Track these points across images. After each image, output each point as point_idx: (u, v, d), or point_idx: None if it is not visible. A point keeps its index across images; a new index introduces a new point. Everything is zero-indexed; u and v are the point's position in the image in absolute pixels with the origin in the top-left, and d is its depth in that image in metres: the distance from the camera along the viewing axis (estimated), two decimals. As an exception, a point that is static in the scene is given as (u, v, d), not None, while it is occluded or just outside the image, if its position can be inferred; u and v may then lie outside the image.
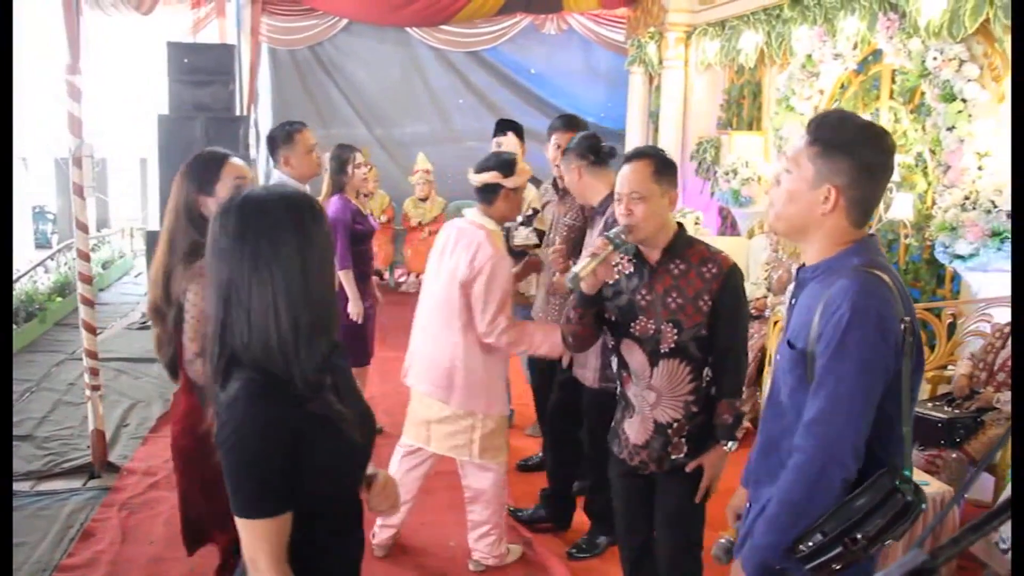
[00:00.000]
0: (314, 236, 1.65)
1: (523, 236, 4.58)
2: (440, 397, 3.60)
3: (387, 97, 11.28)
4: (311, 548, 1.71)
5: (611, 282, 2.85)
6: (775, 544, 1.92)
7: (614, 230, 2.73)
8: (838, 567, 1.84)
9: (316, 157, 4.39)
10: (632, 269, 2.84)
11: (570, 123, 4.45)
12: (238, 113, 8.85)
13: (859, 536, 1.80)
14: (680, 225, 2.87)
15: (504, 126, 5.06)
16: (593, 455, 3.93)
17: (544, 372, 4.35)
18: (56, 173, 10.22)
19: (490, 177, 3.53)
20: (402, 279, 10.00)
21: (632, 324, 2.80)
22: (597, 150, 3.71)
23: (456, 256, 3.52)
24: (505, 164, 3.58)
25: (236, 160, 2.78)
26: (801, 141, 1.97)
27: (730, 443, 2.84)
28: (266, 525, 1.61)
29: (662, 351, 2.77)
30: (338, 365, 1.79)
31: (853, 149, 1.89)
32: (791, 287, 5.63)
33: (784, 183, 1.99)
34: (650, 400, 2.84)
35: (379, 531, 3.93)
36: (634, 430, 2.90)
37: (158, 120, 7.75)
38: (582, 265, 2.69)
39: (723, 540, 2.37)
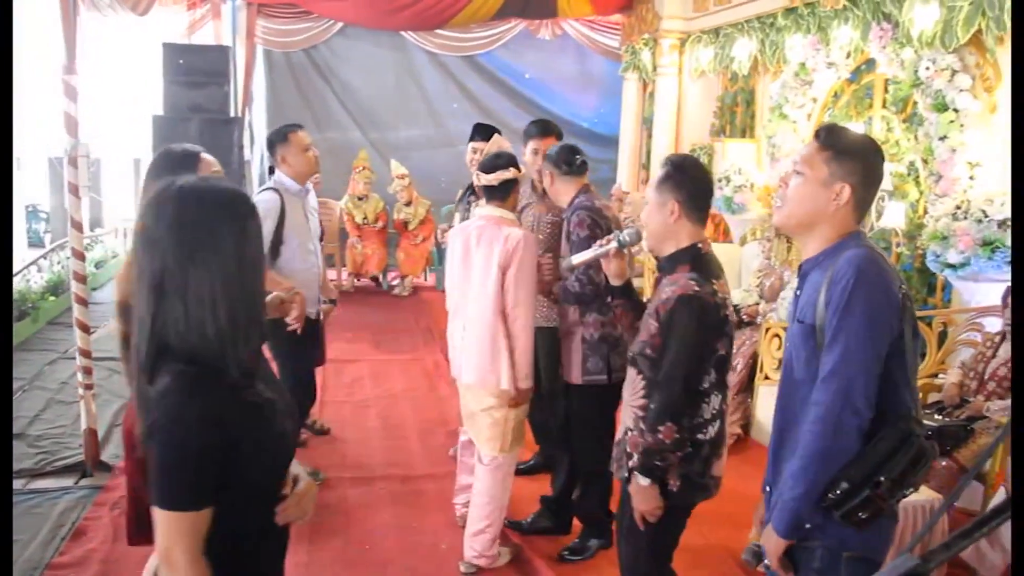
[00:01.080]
0: (249, 229, 1.67)
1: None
2: (491, 382, 3.69)
3: (382, 101, 11.27)
4: (237, 545, 1.70)
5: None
6: (804, 495, 2.10)
7: (626, 231, 2.89)
8: (864, 516, 2.05)
9: (312, 156, 4.44)
10: None
11: (545, 129, 4.53)
12: (232, 115, 8.84)
13: (883, 479, 2.02)
14: (700, 241, 2.75)
15: (484, 131, 4.97)
16: (583, 456, 3.95)
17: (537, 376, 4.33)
18: (50, 172, 10.20)
19: (511, 173, 3.70)
20: (395, 282, 10.01)
21: None
22: (571, 162, 3.87)
23: (484, 249, 3.66)
24: (515, 160, 3.80)
25: (208, 156, 2.72)
26: (809, 148, 2.24)
27: (639, 476, 2.66)
28: (190, 518, 1.59)
29: (629, 356, 2.84)
30: (262, 357, 1.81)
31: (860, 154, 2.19)
32: (785, 291, 5.64)
33: (796, 184, 2.24)
34: (624, 400, 2.89)
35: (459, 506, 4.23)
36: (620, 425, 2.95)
37: (153, 121, 7.75)
38: (580, 255, 2.97)
39: (752, 544, 2.42)
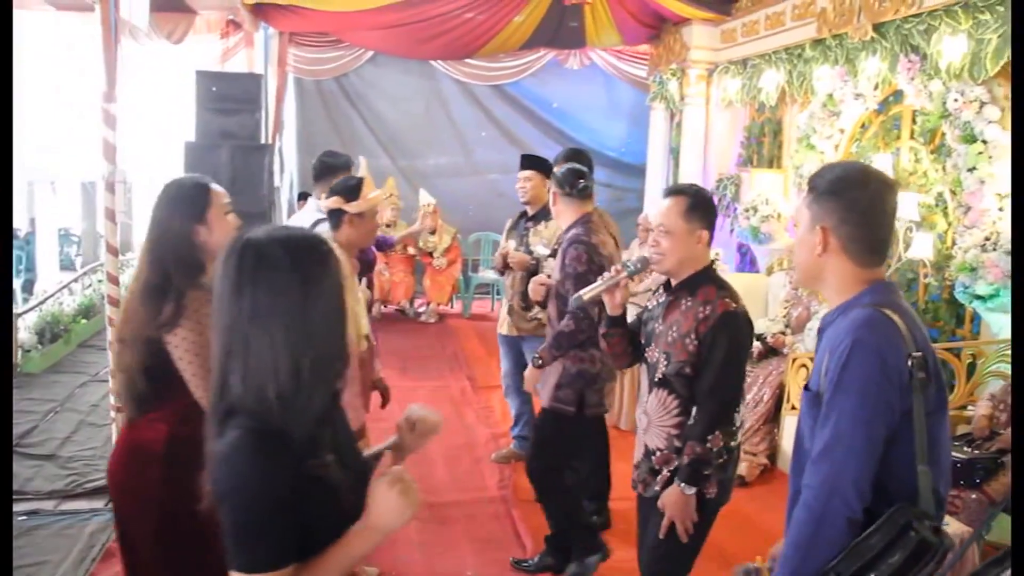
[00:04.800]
0: (318, 280, 1.57)
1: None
2: None
3: (410, 129, 11.35)
4: None
5: (650, 307, 3.02)
6: None
7: (633, 258, 2.93)
8: None
9: None
10: (662, 298, 2.98)
11: (575, 156, 4.61)
12: (263, 141, 8.95)
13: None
14: (712, 262, 2.95)
15: (529, 163, 5.04)
16: (537, 476, 3.98)
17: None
18: (82, 197, 10.34)
19: (332, 203, 3.41)
20: (421, 309, 10.06)
21: (648, 349, 2.96)
22: (573, 184, 3.93)
23: None
24: (349, 189, 3.43)
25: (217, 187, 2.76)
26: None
27: (684, 486, 2.77)
28: None
29: (655, 379, 2.91)
30: (338, 419, 1.73)
31: (839, 190, 1.96)
32: (812, 321, 5.60)
33: (796, 236, 2.10)
34: (643, 424, 2.99)
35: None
36: (636, 448, 3.06)
37: (185, 147, 7.85)
38: (589, 288, 2.92)
39: (750, 564, 2.38)
